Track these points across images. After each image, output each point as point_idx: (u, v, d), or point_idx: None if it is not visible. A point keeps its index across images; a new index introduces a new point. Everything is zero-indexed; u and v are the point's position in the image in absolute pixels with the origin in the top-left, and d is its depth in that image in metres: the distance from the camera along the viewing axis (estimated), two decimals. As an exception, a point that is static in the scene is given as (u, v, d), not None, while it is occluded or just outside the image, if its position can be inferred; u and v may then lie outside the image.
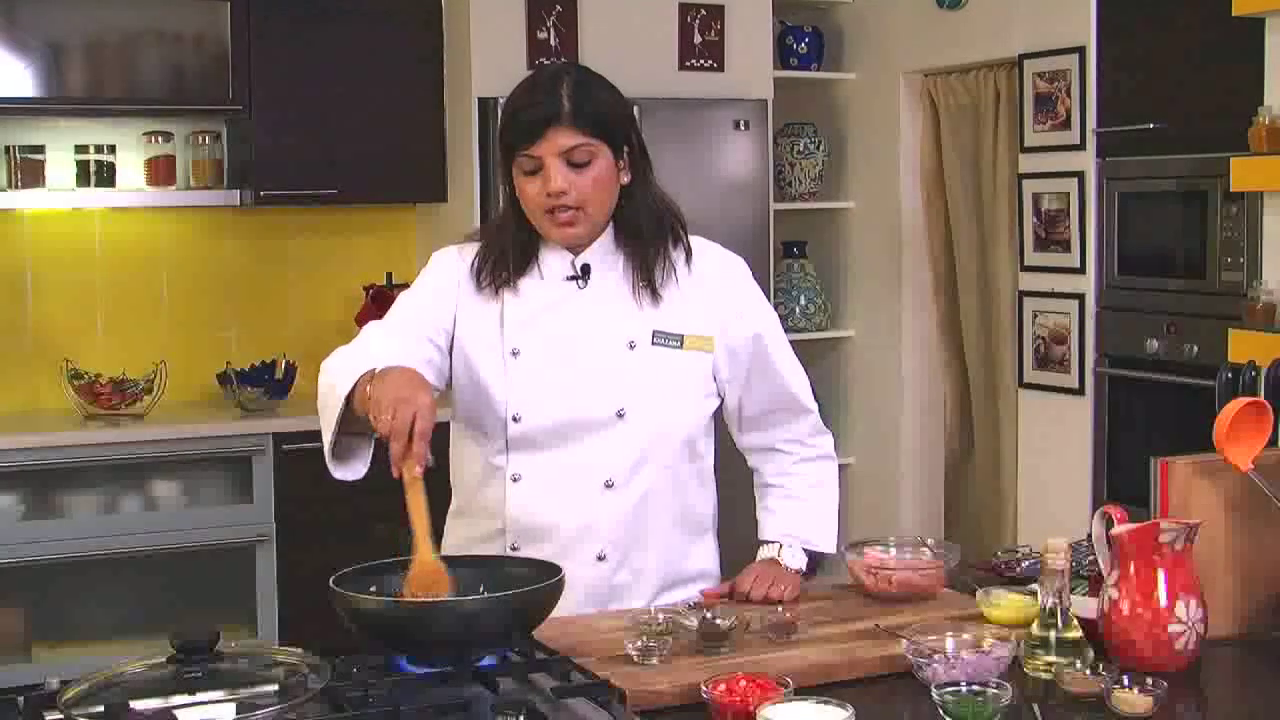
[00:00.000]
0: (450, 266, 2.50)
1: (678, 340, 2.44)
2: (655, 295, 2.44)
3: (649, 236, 2.45)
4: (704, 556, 2.58)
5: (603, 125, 2.36)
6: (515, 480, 2.44)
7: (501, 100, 2.50)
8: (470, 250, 2.50)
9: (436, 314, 2.46)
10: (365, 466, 2.26)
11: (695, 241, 2.53)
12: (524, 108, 2.36)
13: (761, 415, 2.57)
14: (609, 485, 2.42)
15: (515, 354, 2.42)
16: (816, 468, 2.63)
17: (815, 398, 2.62)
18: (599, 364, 2.41)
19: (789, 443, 2.61)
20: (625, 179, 2.43)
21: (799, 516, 2.59)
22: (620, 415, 2.39)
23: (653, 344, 2.43)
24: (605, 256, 2.45)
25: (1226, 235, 4.09)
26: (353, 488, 2.32)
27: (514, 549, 2.43)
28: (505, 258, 2.44)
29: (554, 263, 2.45)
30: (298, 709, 1.75)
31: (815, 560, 2.59)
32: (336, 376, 2.22)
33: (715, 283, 2.50)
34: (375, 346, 2.31)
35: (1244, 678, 2.18)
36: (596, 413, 2.40)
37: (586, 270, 2.44)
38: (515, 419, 2.41)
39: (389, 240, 5.29)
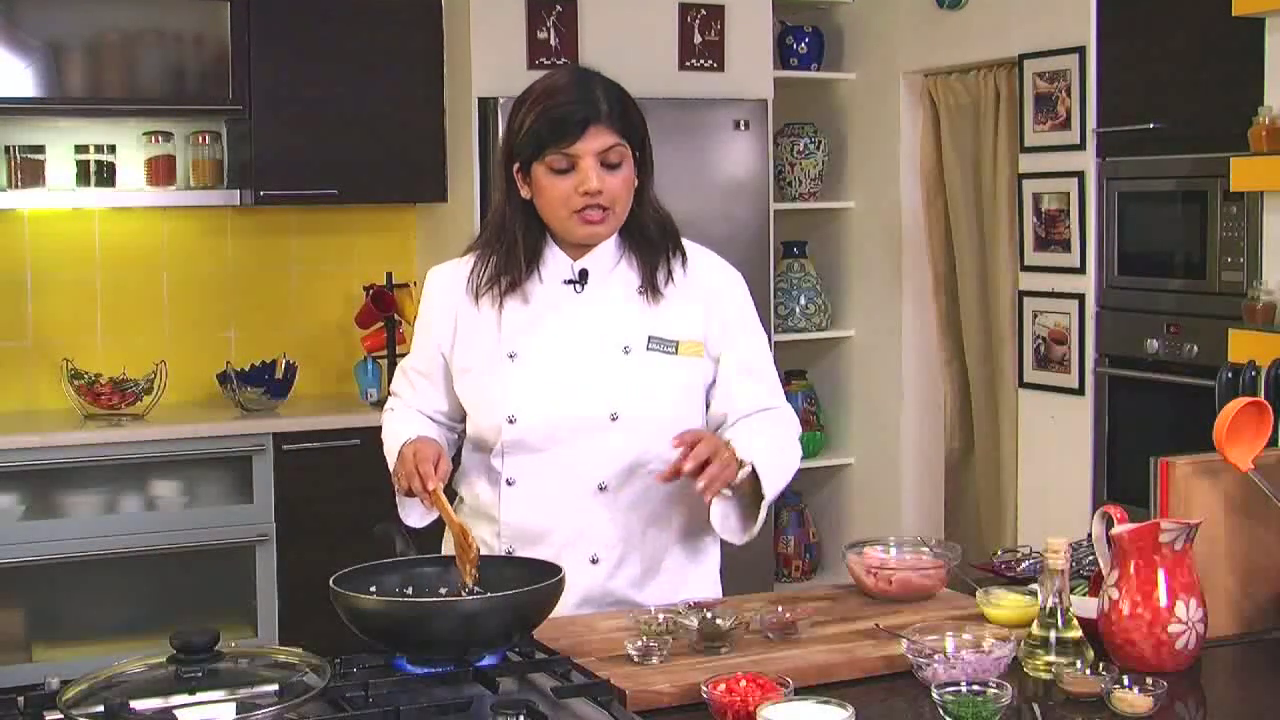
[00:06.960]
0: (445, 287, 2.53)
1: (673, 346, 2.45)
2: (655, 300, 2.45)
3: (656, 239, 2.47)
4: (705, 581, 2.56)
5: (632, 128, 2.40)
6: (510, 484, 2.45)
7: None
8: (465, 264, 2.51)
9: (440, 349, 2.52)
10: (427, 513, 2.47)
11: (694, 248, 2.54)
12: (561, 106, 2.36)
13: (728, 418, 2.50)
14: (602, 489, 2.43)
15: (512, 357, 2.44)
16: (774, 416, 2.52)
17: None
18: (594, 368, 2.42)
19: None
20: (635, 182, 2.45)
21: (755, 441, 2.41)
22: (614, 419, 2.40)
23: (648, 349, 2.43)
24: (605, 261, 2.46)
25: (1226, 235, 4.09)
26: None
27: (510, 552, 2.44)
28: (515, 260, 2.44)
29: (553, 266, 2.46)
30: (298, 709, 1.75)
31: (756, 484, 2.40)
32: (386, 447, 2.52)
33: (712, 293, 2.50)
34: (398, 423, 2.53)
35: (1244, 678, 2.18)
36: (590, 416, 2.41)
37: (585, 275, 2.45)
38: (511, 420, 2.42)
39: (389, 240, 5.29)
